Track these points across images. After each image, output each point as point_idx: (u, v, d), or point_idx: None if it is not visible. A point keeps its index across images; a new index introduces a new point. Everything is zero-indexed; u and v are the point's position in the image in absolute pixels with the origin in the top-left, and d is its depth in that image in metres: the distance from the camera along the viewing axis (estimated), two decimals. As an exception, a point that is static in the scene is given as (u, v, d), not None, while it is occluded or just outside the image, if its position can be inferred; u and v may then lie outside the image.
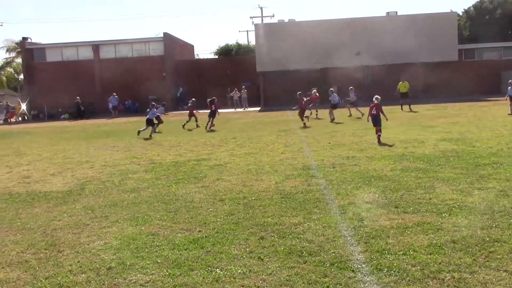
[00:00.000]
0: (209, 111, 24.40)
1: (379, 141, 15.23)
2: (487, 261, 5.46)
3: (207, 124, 23.67)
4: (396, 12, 44.66)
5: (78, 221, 7.95)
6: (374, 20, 43.47)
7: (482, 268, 5.27)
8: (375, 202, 8.13)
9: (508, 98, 24.81)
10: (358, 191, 8.96)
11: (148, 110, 23.74)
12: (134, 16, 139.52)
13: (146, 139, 20.54)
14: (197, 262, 5.87)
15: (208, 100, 25.01)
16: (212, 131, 22.84)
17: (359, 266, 5.51)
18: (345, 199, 8.43)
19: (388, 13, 44.60)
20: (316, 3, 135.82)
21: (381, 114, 15.93)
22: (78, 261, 6.12)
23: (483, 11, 62.10)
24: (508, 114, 23.24)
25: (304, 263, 5.68)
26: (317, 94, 29.30)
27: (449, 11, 44.64)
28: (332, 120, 24.96)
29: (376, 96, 16.48)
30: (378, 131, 15.62)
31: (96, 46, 47.42)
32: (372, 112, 16.06)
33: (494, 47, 46.98)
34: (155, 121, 22.86)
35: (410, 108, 29.60)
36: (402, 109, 29.90)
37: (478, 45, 48.37)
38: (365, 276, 5.25)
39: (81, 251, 6.51)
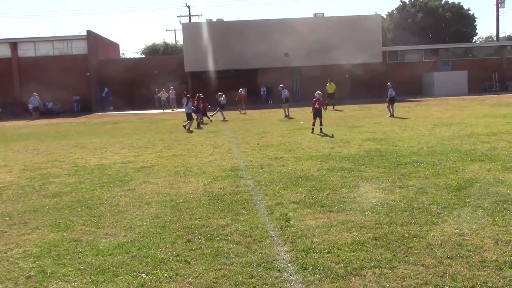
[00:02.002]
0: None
1: (321, 131, 18.11)
2: (406, 256, 5.67)
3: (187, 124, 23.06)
4: (323, 14, 45.65)
5: (-5, 229, 7.56)
6: (301, 21, 44.22)
7: (402, 263, 5.47)
8: (302, 202, 8.25)
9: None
10: (286, 192, 9.07)
11: (184, 104, 23.78)
12: (55, 13, 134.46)
13: (190, 131, 21.47)
14: (122, 267, 5.73)
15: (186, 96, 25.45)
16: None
17: (285, 265, 5.57)
18: (272, 200, 8.51)
19: (315, 14, 45.50)
20: (245, 4, 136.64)
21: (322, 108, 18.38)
22: (-6, 271, 5.81)
23: (405, 14, 64.66)
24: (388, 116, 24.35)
25: (231, 264, 5.67)
26: (242, 93, 30.17)
27: (374, 13, 46.11)
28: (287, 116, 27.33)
29: (318, 91, 19.42)
30: (321, 123, 18.42)
31: (14, 44, 45.27)
32: (315, 106, 18.55)
33: (416, 49, 49.04)
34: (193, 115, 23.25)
35: (334, 108, 30.91)
36: (325, 109, 30.83)
37: (401, 47, 50.34)
38: (290, 275, 5.31)
39: (-3, 260, 6.19)
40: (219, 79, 41.32)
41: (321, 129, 18.44)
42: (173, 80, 44.68)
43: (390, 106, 24.88)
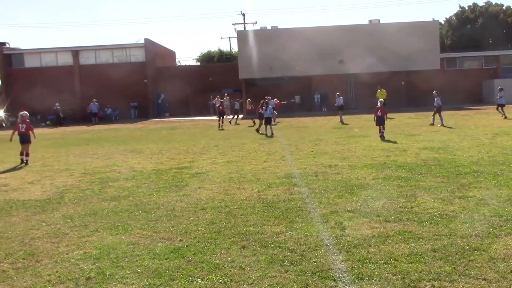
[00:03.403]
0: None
1: (383, 138, 18.57)
2: (467, 269, 5.48)
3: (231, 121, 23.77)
4: (379, 20, 45.09)
5: (57, 230, 7.83)
6: (357, 27, 43.83)
7: (462, 277, 5.29)
8: (357, 211, 8.14)
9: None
10: (340, 200, 8.97)
11: (263, 108, 23.91)
12: (114, 22, 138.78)
13: (269, 136, 22.11)
14: (177, 271, 5.81)
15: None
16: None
17: (340, 275, 5.50)
18: (327, 208, 8.43)
19: (370, 21, 45.01)
20: (299, 11, 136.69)
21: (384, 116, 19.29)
22: (57, 271, 6.01)
23: (464, 20, 63.01)
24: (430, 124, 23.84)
25: (286, 272, 5.65)
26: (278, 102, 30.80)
27: (432, 19, 45.19)
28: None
29: (380, 99, 20.48)
30: (382, 129, 19.02)
31: (75, 52, 47.05)
32: (378, 114, 19.26)
33: (475, 56, 47.64)
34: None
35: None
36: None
37: (460, 53, 49.03)
38: (346, 285, 5.23)
39: (59, 260, 6.40)
40: (272, 86, 41.43)
41: (382, 134, 18.96)
42: (228, 87, 45.16)
43: (434, 115, 24.29)
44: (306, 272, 5.60)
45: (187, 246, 6.72)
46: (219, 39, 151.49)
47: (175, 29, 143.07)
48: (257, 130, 24.69)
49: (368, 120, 29.58)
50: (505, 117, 26.23)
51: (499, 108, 27.47)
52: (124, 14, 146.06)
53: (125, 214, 8.69)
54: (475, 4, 64.83)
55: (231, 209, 8.65)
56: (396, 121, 28.39)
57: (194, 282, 5.48)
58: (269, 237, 6.93)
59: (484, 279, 5.22)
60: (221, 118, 29.54)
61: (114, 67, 46.25)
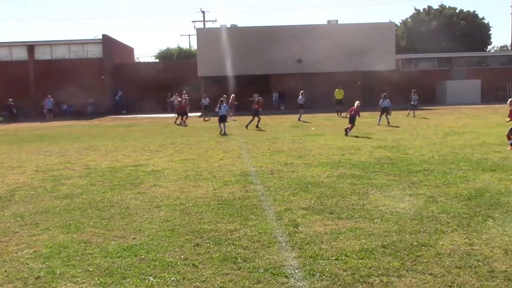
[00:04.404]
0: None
1: (346, 134, 19.59)
2: (414, 265, 5.65)
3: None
4: (337, 21, 45.63)
5: (7, 229, 7.64)
6: (315, 28, 44.24)
7: (409, 272, 5.45)
8: (311, 208, 8.25)
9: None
10: (295, 198, 9.07)
11: (218, 106, 23.91)
12: (72, 17, 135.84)
13: (223, 134, 21.92)
14: (130, 270, 5.77)
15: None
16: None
17: (292, 271, 5.58)
18: (281, 205, 8.51)
19: (329, 21, 45.50)
20: (259, 10, 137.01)
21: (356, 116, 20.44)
22: (5, 271, 5.88)
23: (419, 22, 64.44)
24: (377, 124, 24.53)
25: (239, 269, 5.69)
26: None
27: (388, 21, 46.06)
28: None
29: (357, 101, 21.49)
30: (351, 128, 19.92)
31: (30, 47, 45.80)
32: (352, 113, 20.32)
33: (429, 57, 48.84)
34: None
35: (340, 114, 31.32)
36: (338, 115, 31.49)
37: (414, 55, 50.15)
38: (297, 281, 5.31)
39: (8, 260, 6.25)
40: (231, 84, 41.41)
41: (347, 130, 19.93)
42: (186, 85, 44.88)
43: (382, 116, 25.27)
44: (258, 269, 5.66)
45: (140, 244, 6.67)
46: (178, 36, 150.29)
47: (134, 26, 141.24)
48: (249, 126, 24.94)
49: (325, 119, 30.01)
50: (414, 116, 28.89)
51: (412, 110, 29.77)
52: (82, 9, 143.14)
53: (77, 212, 8.55)
54: (430, 7, 66.39)
55: (186, 207, 8.64)
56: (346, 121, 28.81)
57: (146, 280, 5.46)
58: (223, 235, 6.96)
59: (430, 274, 5.39)
60: (184, 116, 29.65)
61: (70, 63, 45.29)
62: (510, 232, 6.70)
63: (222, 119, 22.78)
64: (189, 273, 5.63)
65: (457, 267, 5.55)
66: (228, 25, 45.59)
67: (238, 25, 45.49)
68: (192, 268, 5.77)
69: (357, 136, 19.14)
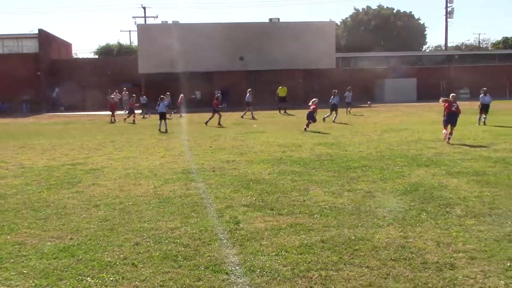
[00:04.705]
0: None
1: (305, 129, 20.34)
2: (352, 258, 5.80)
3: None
4: (279, 19, 46.02)
5: None
6: (257, 25, 44.47)
7: (347, 265, 5.59)
8: (252, 205, 8.30)
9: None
10: (236, 195, 9.10)
11: (158, 103, 23.51)
12: (6, 10, 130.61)
13: (164, 132, 21.49)
14: (66, 271, 5.62)
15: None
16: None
17: (233, 268, 5.60)
18: (223, 203, 8.52)
19: (271, 19, 45.81)
20: (202, 7, 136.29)
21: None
22: None
23: (359, 22, 65.94)
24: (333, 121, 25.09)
25: (179, 267, 5.65)
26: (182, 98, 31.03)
27: (328, 20, 46.86)
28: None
29: (315, 98, 21.96)
30: (309, 124, 20.68)
31: (-39, 41, 43.80)
32: (311, 109, 20.90)
33: (368, 56, 50.08)
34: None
35: (285, 111, 31.66)
36: (280, 112, 31.86)
37: (354, 54, 51.30)
38: (238, 278, 5.34)
39: None
40: (173, 81, 41.02)
41: (308, 125, 20.64)
42: (127, 82, 44.10)
43: (331, 113, 25.74)
44: (199, 267, 5.64)
45: (77, 244, 6.51)
46: (118, 32, 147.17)
47: (72, 20, 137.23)
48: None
49: (268, 116, 30.22)
50: (348, 113, 30.23)
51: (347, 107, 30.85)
52: (17, 2, 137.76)
53: (11, 213, 8.24)
54: (368, 7, 68.12)
55: (125, 205, 8.49)
56: (294, 117, 29.20)
57: (84, 281, 5.34)
58: (163, 233, 6.89)
59: (367, 267, 5.54)
60: (132, 114, 29.40)
61: (4, 58, 43.58)
62: (442, 224, 6.98)
63: (162, 117, 22.53)
64: (129, 272, 5.54)
65: (392, 259, 5.73)
66: (170, 22, 45.14)
67: (180, 22, 45.11)
68: (131, 267, 5.69)
69: (318, 132, 19.41)
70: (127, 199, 8.93)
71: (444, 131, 15.76)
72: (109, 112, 30.78)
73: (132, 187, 9.98)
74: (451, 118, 15.63)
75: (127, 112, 37.26)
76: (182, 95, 34.36)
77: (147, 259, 5.92)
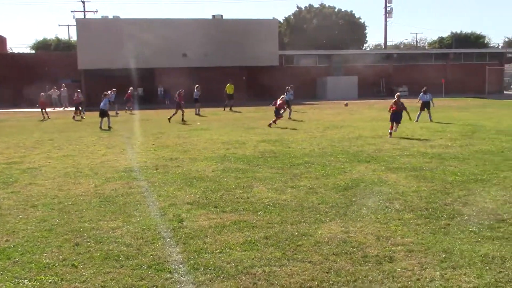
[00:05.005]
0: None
1: (270, 125, 20.83)
2: (295, 254, 5.87)
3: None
4: (222, 16, 45.88)
5: None
6: (200, 22, 44.18)
7: (290, 261, 5.65)
8: (196, 203, 8.26)
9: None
10: (180, 193, 9.03)
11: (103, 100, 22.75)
12: None
13: (106, 129, 20.94)
14: (2, 274, 5.41)
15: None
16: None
17: (176, 266, 5.55)
18: (166, 201, 8.43)
19: (214, 16, 45.62)
20: (142, 2, 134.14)
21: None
22: None
23: (301, 19, 66.67)
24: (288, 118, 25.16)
25: (121, 267, 5.55)
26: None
27: (271, 18, 47.15)
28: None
29: (282, 96, 23.05)
30: (275, 121, 21.12)
31: None
32: (277, 105, 21.53)
33: (310, 54, 50.72)
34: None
35: (230, 109, 32.22)
36: (224, 109, 31.87)
37: (297, 51, 51.82)
38: (181, 276, 5.30)
39: None
40: (115, 77, 40.19)
41: (271, 123, 21.03)
42: (66, 78, 42.85)
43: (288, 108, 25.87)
44: (142, 266, 5.56)
45: (14, 246, 6.28)
46: (57, 26, 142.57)
47: (6, 14, 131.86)
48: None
49: (212, 113, 30.09)
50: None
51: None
52: None
53: None
54: (311, 5, 68.96)
55: (65, 205, 8.26)
56: (238, 114, 29.25)
57: (21, 284, 5.16)
58: (104, 233, 6.75)
59: (310, 262, 5.62)
60: (78, 110, 28.65)
61: None
62: (382, 219, 7.17)
63: (102, 114, 22.04)
64: (68, 274, 5.40)
65: (334, 254, 5.84)
66: (111, 17, 44.19)
67: (121, 17, 44.23)
68: (71, 268, 5.54)
69: (285, 128, 19.45)
70: (66, 199, 8.69)
71: (390, 130, 16.76)
72: (46, 109, 29.76)
73: (72, 186, 9.72)
74: (395, 116, 16.78)
75: (65, 109, 36.33)
76: (131, 88, 33.90)
77: (87, 260, 5.78)
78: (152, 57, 41.28)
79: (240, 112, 30.82)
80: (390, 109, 17.15)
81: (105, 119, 21.76)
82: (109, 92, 24.87)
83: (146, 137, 17.88)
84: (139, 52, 40.81)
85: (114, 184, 9.81)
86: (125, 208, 8.02)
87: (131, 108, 33.54)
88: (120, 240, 6.45)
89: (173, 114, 24.79)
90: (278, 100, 21.96)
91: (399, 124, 16.93)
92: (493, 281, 5.05)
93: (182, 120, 24.38)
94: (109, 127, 21.30)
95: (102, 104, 22.36)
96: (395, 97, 17.42)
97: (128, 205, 8.21)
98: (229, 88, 33.61)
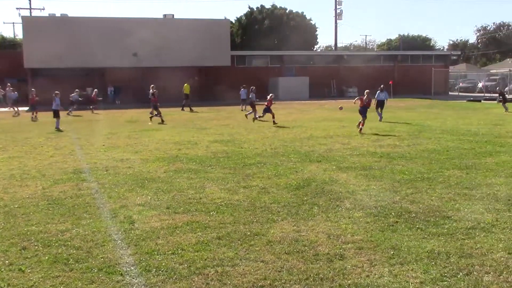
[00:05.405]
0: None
1: (254, 118, 22.97)
2: (247, 253, 5.90)
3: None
4: (173, 15, 45.49)
5: None
6: (151, 21, 43.67)
7: (243, 261, 5.68)
8: (147, 204, 8.17)
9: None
10: (131, 194, 8.91)
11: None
12: None
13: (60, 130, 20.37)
14: None
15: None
16: None
17: (128, 269, 5.48)
18: (117, 203, 8.31)
19: (165, 15, 45.18)
20: (92, 0, 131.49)
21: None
22: None
23: (253, 20, 66.82)
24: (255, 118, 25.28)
25: (70, 271, 5.44)
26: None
27: (223, 18, 47.07)
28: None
29: (271, 93, 24.61)
30: (259, 116, 22.87)
31: None
32: (267, 104, 22.54)
33: (262, 55, 50.95)
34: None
35: (184, 108, 31.97)
36: (183, 109, 31.69)
37: (248, 52, 51.94)
38: (133, 278, 5.24)
39: None
40: (63, 76, 39.22)
41: (257, 117, 23.33)
42: (11, 77, 41.49)
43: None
44: (92, 269, 5.47)
45: (-44, 251, 6.05)
46: (1, 24, 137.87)
47: None
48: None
49: (165, 113, 29.75)
50: (243, 110, 30.99)
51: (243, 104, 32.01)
52: None
53: None
54: (262, 6, 69.22)
55: (11, 208, 8.01)
56: (191, 115, 29.08)
57: (-36, 291, 4.98)
58: (53, 236, 6.59)
59: (262, 261, 5.67)
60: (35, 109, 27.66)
61: None
62: (332, 217, 7.30)
63: (56, 114, 21.48)
64: (15, 279, 5.24)
65: (286, 253, 5.91)
66: (58, 14, 43.12)
67: (69, 15, 43.23)
68: (18, 273, 5.39)
69: (279, 125, 19.36)
70: (12, 202, 8.43)
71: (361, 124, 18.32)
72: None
73: (18, 189, 9.43)
74: (362, 111, 18.36)
75: (11, 109, 35.14)
76: (95, 90, 33.35)
77: (35, 264, 5.64)
78: (101, 56, 40.48)
79: (198, 112, 30.65)
80: (356, 102, 18.93)
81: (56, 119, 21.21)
82: (73, 94, 24.21)
83: (96, 138, 17.54)
84: (88, 51, 39.97)
85: (63, 186, 9.59)
86: (74, 210, 7.85)
87: (93, 108, 32.84)
88: (69, 243, 6.32)
89: (156, 115, 24.10)
90: (268, 97, 23.02)
91: (365, 119, 18.29)
92: (439, 275, 5.22)
93: (162, 121, 23.69)
94: (57, 128, 20.74)
95: (54, 104, 21.78)
96: (365, 93, 19.08)
97: (77, 207, 8.04)
98: (186, 88, 33.68)
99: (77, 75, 40.89)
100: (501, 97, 29.32)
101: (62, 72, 39.93)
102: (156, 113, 24.04)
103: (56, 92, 22.77)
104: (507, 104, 27.95)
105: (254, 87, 27.48)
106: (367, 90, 19.48)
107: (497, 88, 36.78)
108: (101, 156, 13.35)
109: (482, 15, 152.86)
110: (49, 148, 15.14)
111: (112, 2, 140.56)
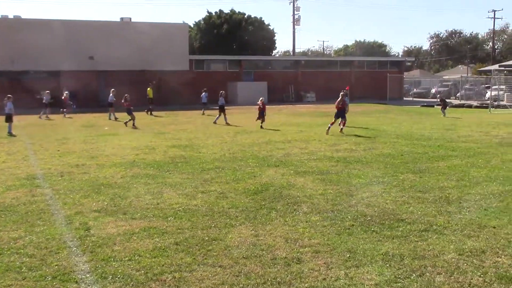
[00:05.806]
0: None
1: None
2: (205, 259, 5.90)
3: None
4: (130, 19, 44.98)
5: None
6: (108, 24, 43.07)
7: (200, 266, 5.68)
8: (104, 210, 8.06)
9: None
10: (86, 200, 8.77)
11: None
12: None
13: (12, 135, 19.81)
14: None
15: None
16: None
17: (83, 276, 5.40)
18: (72, 209, 8.16)
19: (122, 18, 44.64)
20: (47, 2, 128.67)
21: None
22: None
23: (212, 25, 66.73)
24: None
25: (23, 279, 5.32)
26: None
27: (182, 22, 46.88)
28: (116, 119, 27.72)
29: (261, 97, 24.09)
30: (258, 119, 22.66)
31: None
32: (261, 107, 22.86)
33: (221, 59, 50.95)
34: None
35: (151, 113, 31.91)
36: (149, 113, 31.34)
37: (207, 56, 51.83)
38: (88, 286, 5.17)
39: None
40: (15, 80, 38.17)
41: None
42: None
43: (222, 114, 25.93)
44: (46, 277, 5.36)
45: None
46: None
47: None
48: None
49: (121, 118, 29.36)
50: (203, 114, 31.42)
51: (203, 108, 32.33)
52: None
53: None
54: (221, 11, 69.23)
55: (-40, 216, 7.76)
56: (148, 119, 28.78)
57: None
58: (5, 244, 6.43)
59: (220, 266, 5.68)
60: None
61: None
62: (290, 221, 7.37)
63: (9, 118, 20.89)
64: (-36, 289, 5.09)
65: (244, 257, 5.94)
66: (11, 16, 42.00)
67: (22, 17, 42.17)
68: (-33, 283, 5.23)
69: (265, 128, 19.18)
70: (-38, 209, 8.16)
71: (330, 125, 19.19)
72: None
73: (-32, 196, 9.14)
74: (339, 113, 19.46)
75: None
76: (66, 92, 32.54)
77: (-14, 273, 5.48)
78: (56, 59, 39.60)
79: (162, 116, 30.37)
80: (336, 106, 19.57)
81: (12, 124, 20.63)
82: (45, 95, 23.46)
83: (50, 143, 17.15)
84: (42, 54, 39.06)
85: (16, 193, 9.35)
86: (27, 217, 7.67)
87: (65, 111, 32.04)
88: (22, 251, 6.17)
89: (131, 120, 23.59)
90: (259, 102, 23.27)
91: (344, 120, 19.52)
92: (393, 277, 5.35)
93: (133, 126, 23.26)
94: (9, 133, 20.18)
95: (7, 108, 21.17)
96: (340, 95, 19.87)
97: (31, 214, 7.86)
98: (149, 92, 33.54)
99: (31, 78, 39.87)
100: (441, 102, 30.67)
101: (14, 75, 38.88)
102: (130, 118, 23.69)
103: (9, 95, 22.14)
104: (446, 110, 29.32)
105: (223, 92, 27.42)
106: (342, 92, 20.30)
107: (438, 96, 38.85)
108: (56, 161, 13.08)
109: (435, 22, 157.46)
110: (1, 153, 14.71)
111: (69, 5, 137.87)
